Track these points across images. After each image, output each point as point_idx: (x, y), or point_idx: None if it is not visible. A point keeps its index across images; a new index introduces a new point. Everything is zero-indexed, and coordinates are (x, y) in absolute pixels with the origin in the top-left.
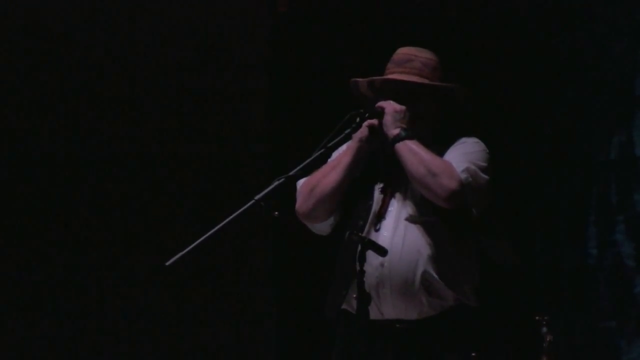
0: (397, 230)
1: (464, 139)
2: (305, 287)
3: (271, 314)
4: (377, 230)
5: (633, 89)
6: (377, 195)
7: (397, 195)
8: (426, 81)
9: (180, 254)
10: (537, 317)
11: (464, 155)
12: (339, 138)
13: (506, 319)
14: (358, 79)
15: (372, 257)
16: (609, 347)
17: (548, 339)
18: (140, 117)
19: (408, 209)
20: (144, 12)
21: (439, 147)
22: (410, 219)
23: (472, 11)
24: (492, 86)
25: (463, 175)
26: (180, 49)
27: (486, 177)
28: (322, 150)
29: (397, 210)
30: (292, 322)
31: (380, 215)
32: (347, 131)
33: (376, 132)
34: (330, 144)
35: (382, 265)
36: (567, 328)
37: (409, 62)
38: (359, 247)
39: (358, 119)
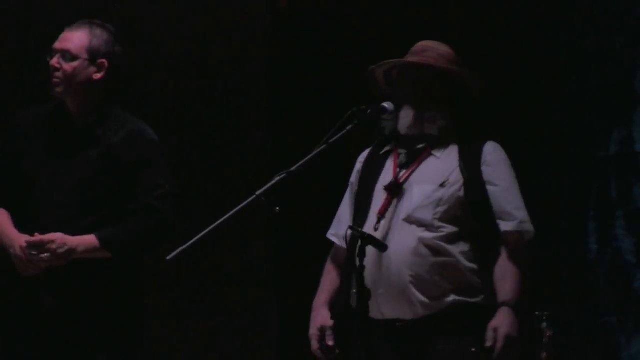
0: (392, 230)
1: (495, 155)
2: (306, 286)
3: (271, 313)
4: (375, 229)
5: (633, 84)
6: (380, 193)
7: (401, 194)
8: (442, 66)
9: (181, 248)
10: (536, 313)
11: (518, 196)
12: (340, 135)
13: None
14: (374, 67)
15: (371, 257)
16: (609, 343)
17: (548, 335)
18: (140, 115)
19: (406, 209)
20: (141, 11)
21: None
22: (407, 219)
23: (471, 6)
24: (491, 81)
25: (529, 236)
26: (180, 44)
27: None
28: (324, 147)
29: (395, 210)
30: (292, 321)
31: (380, 214)
32: (348, 128)
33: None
34: (331, 141)
35: (377, 266)
36: (567, 323)
37: (425, 52)
38: (359, 243)
39: (359, 117)
